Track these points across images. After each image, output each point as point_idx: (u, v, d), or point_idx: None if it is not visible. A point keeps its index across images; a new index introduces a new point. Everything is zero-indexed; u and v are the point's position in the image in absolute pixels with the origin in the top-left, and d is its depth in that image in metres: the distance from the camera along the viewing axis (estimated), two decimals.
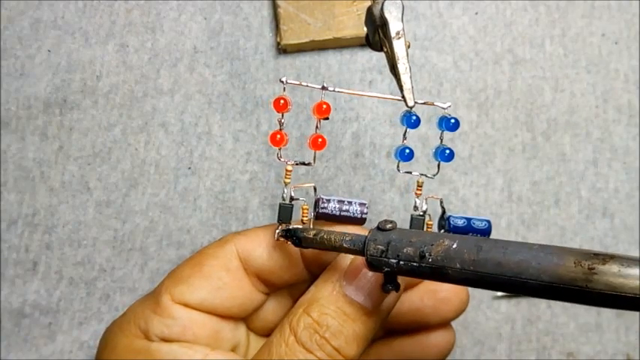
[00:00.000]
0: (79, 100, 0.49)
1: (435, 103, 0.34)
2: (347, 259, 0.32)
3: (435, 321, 0.38)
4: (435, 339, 0.38)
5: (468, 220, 0.34)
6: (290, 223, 0.33)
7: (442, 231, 0.34)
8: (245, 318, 0.36)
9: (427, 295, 0.37)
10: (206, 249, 0.35)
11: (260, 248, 0.34)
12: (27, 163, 0.48)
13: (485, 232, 0.34)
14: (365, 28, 0.35)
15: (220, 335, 0.34)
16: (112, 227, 0.48)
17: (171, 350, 0.32)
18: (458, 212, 0.45)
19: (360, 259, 0.31)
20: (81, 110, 0.49)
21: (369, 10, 0.33)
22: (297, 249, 0.34)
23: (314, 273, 0.35)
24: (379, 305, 0.32)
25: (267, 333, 0.37)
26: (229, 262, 0.34)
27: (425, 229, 0.34)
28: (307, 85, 0.33)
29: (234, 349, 0.35)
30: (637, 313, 0.48)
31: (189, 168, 0.49)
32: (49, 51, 0.50)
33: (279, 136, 0.33)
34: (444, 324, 0.38)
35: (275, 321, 0.37)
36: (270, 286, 0.36)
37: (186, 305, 0.33)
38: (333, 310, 0.31)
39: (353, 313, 0.31)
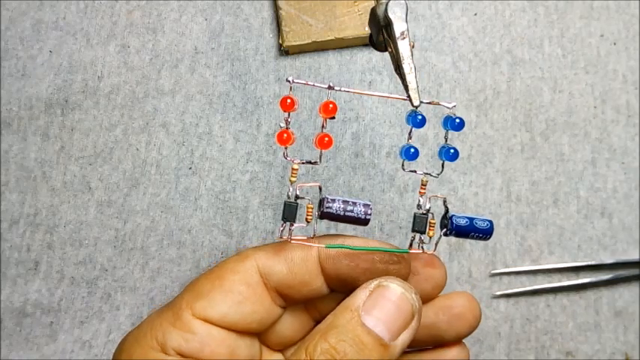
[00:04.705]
0: (81, 101, 0.49)
1: (440, 103, 0.34)
2: (367, 290, 0.32)
3: (449, 337, 0.37)
4: (449, 356, 0.38)
5: (471, 219, 0.34)
6: (295, 222, 0.33)
7: (444, 230, 0.34)
8: (259, 333, 0.36)
9: (442, 311, 0.37)
10: (225, 263, 0.35)
11: (280, 264, 0.34)
12: (29, 163, 0.48)
13: (488, 232, 0.34)
14: (367, 29, 0.35)
15: (237, 352, 0.34)
16: (113, 227, 0.48)
17: None
18: (457, 212, 0.45)
19: (380, 289, 0.31)
20: (82, 111, 0.49)
21: (373, 11, 0.33)
22: (317, 264, 0.34)
23: (333, 288, 0.35)
24: (396, 338, 0.31)
25: (281, 348, 0.37)
26: (250, 277, 0.34)
27: (428, 227, 0.34)
28: (314, 85, 0.33)
29: None
30: (635, 312, 0.49)
31: (190, 168, 0.49)
32: (50, 52, 0.50)
33: (285, 135, 0.32)
34: (458, 341, 0.38)
35: (290, 335, 0.37)
36: (289, 301, 0.36)
37: (206, 320, 0.33)
38: (351, 337, 0.30)
39: (370, 343, 0.31)
